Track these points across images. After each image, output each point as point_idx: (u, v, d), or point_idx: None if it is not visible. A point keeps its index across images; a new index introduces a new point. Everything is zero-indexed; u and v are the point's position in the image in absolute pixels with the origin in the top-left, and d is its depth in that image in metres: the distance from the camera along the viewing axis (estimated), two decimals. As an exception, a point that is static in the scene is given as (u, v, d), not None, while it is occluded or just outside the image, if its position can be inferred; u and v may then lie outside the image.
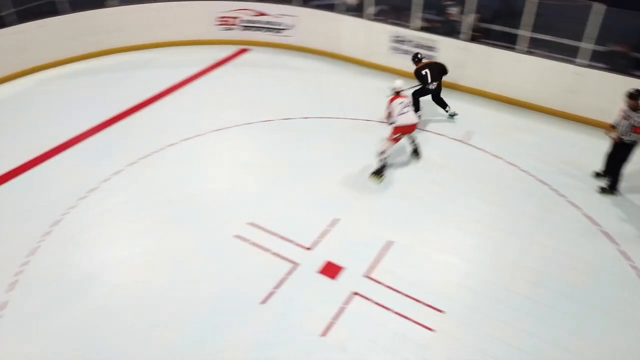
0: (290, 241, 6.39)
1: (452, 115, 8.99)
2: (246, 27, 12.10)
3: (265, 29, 12.00)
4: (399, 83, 7.60)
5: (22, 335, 5.33)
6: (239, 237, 6.47)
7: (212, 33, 12.19)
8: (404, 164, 7.84)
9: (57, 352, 5.14)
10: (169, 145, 8.32)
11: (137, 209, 7.04)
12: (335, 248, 6.27)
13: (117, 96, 9.89)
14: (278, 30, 11.89)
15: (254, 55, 11.79)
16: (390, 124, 7.48)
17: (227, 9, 11.93)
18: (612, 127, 6.97)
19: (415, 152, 7.92)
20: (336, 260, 6.09)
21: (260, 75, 10.80)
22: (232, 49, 11.97)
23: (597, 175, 7.47)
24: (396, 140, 7.37)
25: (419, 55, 8.87)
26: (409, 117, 7.32)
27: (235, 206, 7.01)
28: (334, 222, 6.69)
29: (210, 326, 5.34)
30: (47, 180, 7.69)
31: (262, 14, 11.84)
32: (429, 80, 8.54)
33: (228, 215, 6.82)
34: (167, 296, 5.71)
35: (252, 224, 6.66)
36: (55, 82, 10.69)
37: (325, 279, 5.87)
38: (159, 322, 5.41)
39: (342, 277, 5.89)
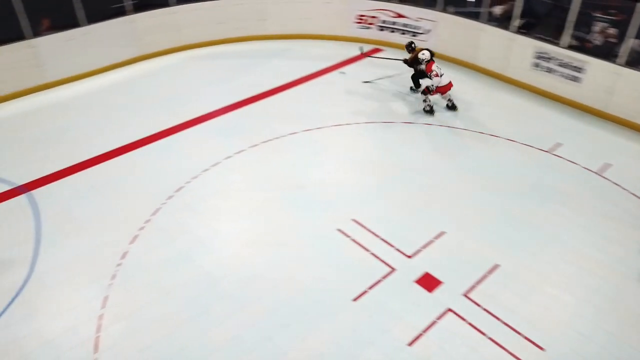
0: (391, 245, 6.28)
1: (413, 90, 10.01)
2: (382, 28, 12.12)
3: (401, 31, 11.92)
4: (427, 53, 9.09)
5: (134, 285, 5.86)
6: (341, 231, 6.52)
7: (348, 30, 12.39)
8: (526, 188, 7.33)
9: (161, 306, 5.57)
10: (291, 134, 8.61)
11: (251, 188, 7.40)
12: (437, 261, 6.06)
13: (252, 80, 10.46)
14: (414, 33, 11.74)
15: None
16: (432, 85, 8.96)
17: (368, 8, 12.04)
18: None
19: (453, 106, 9.37)
20: (435, 273, 5.88)
21: (388, 78, 10.74)
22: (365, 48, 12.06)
23: None
24: (433, 93, 9.08)
25: (413, 45, 9.94)
26: (446, 78, 8.96)
27: (343, 201, 7.06)
28: (440, 234, 6.46)
29: (298, 311, 5.46)
30: (178, 149, 8.37)
31: (401, 16, 11.77)
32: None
33: (334, 208, 6.90)
34: (264, 275, 5.93)
35: (356, 221, 6.66)
36: (201, 60, 11.59)
37: (421, 289, 5.69)
38: (253, 297, 5.64)
39: (438, 291, 5.67)
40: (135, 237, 6.53)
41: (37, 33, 10.10)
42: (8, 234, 6.63)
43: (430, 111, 9.26)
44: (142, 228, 6.67)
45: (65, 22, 10.43)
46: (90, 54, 10.90)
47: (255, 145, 8.35)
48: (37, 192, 7.39)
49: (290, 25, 12.52)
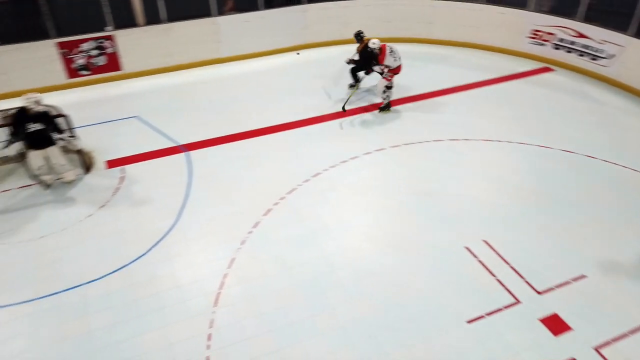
0: (521, 276, 5.82)
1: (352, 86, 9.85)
2: (558, 46, 11.21)
3: (579, 52, 10.92)
4: (378, 42, 9.04)
5: (259, 254, 6.21)
6: (468, 249, 6.21)
7: (518, 44, 11.70)
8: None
9: (280, 279, 5.84)
10: (435, 140, 8.41)
11: (383, 187, 7.38)
12: (570, 305, 5.47)
13: (406, 82, 10.39)
14: (594, 57, 10.67)
15: (556, 77, 10.87)
16: (386, 69, 9.10)
17: (546, 23, 11.22)
18: None
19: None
20: (565, 317, 5.32)
21: (553, 99, 9.93)
22: (534, 65, 11.29)
23: None
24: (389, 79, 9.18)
25: (362, 34, 9.75)
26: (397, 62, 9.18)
27: (476, 218, 6.71)
28: (580, 277, 5.82)
29: (408, 318, 5.33)
30: (322, 136, 8.66)
31: (582, 36, 10.77)
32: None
33: (465, 224, 6.60)
34: (381, 274, 5.88)
35: (487, 243, 6.29)
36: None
37: (544, 330, 5.19)
38: (366, 293, 5.63)
39: (566, 337, 5.13)
40: (269, 210, 6.90)
41: (221, 12, 11.16)
42: (163, 185, 7.45)
43: (387, 107, 9.38)
44: (276, 204, 7.02)
45: (246, 5, 11.38)
46: (263, 36, 11.73)
47: (397, 145, 8.30)
48: (194, 153, 8.19)
49: (457, 32, 12.20)
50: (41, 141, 6.97)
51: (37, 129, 6.85)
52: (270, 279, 5.85)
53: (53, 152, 7.10)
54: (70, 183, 7.42)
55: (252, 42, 11.72)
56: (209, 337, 5.14)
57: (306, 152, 8.21)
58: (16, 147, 7.38)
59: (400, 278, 5.83)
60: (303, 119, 9.18)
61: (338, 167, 7.80)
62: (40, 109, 6.89)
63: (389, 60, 9.05)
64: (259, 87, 10.46)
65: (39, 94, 6.97)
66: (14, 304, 5.57)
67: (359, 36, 9.84)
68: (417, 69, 11.05)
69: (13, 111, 7.04)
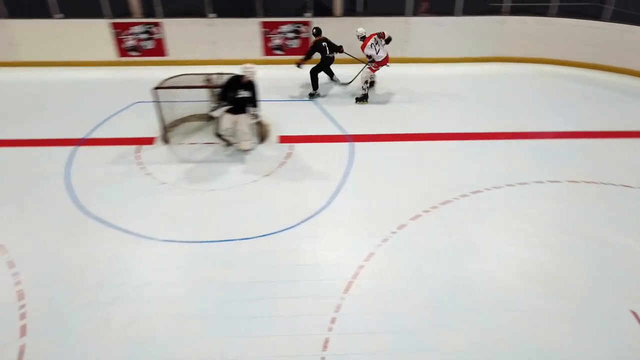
0: (698, 361, 4.89)
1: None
2: None
3: None
4: (362, 29, 9.43)
5: (397, 256, 6.14)
6: (634, 313, 5.38)
7: None
8: None
9: (410, 286, 5.71)
10: (623, 185, 7.42)
11: (547, 222, 6.71)
12: None
13: (596, 116, 9.37)
14: None
15: None
16: (371, 61, 9.38)
17: None
18: None
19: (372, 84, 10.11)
20: None
21: None
22: None
23: None
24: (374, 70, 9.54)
25: (315, 30, 9.90)
26: (383, 52, 9.34)
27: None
28: None
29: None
30: (491, 154, 8.25)
31: None
32: (328, 52, 9.81)
33: (634, 282, 5.73)
34: (522, 312, 5.39)
35: (661, 312, 5.39)
36: (556, 78, 10.94)
37: None
38: (495, 324, 5.23)
39: None
40: (417, 216, 6.79)
41: (415, 13, 11.18)
42: (324, 168, 7.78)
43: (365, 99, 9.56)
44: (426, 211, 6.88)
45: (443, 9, 11.25)
46: (452, 42, 11.49)
47: (575, 182, 7.51)
48: (358, 144, 8.40)
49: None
50: (241, 107, 7.78)
51: (245, 96, 7.67)
52: (403, 282, 5.75)
53: (242, 119, 7.87)
54: (246, 151, 8.15)
55: (440, 47, 11.56)
56: (332, 320, 5.26)
57: (470, 166, 7.88)
58: (210, 107, 8.36)
59: (544, 324, 5.29)
60: (473, 132, 8.83)
61: (503, 189, 7.34)
62: (253, 78, 7.68)
63: (370, 50, 9.21)
64: (435, 92, 10.30)
65: (255, 66, 7.75)
66: (177, 241, 6.34)
67: (315, 30, 10.00)
68: (614, 103, 9.87)
69: (227, 76, 7.94)
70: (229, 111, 7.81)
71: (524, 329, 5.20)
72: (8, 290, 5.61)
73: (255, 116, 7.99)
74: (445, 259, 6.09)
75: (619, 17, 10.65)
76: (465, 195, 7.19)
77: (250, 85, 7.69)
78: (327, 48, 9.94)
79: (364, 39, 9.30)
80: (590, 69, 11.24)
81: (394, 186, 7.40)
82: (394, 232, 6.49)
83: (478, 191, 7.28)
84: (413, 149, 8.36)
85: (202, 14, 11.00)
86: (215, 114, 7.99)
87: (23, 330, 5.13)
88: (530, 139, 8.66)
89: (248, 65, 7.66)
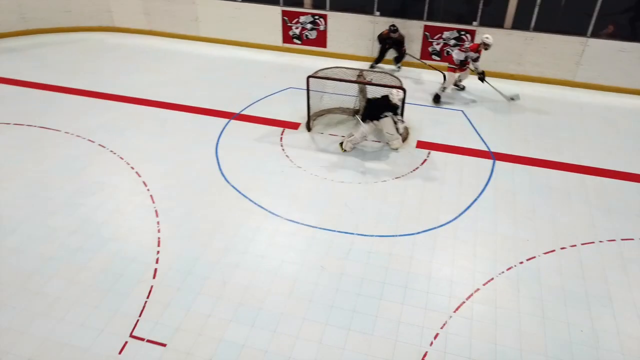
0: None
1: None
2: None
3: None
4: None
5: (518, 287, 5.75)
6: None
7: None
8: None
9: (528, 322, 5.33)
10: None
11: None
12: None
13: None
14: None
15: None
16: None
17: None
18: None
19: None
20: None
21: None
22: None
23: None
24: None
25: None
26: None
27: None
28: None
29: None
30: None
31: None
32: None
33: None
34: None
35: None
36: None
37: None
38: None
39: None
40: (551, 251, 6.26)
41: (596, 34, 10.16)
42: (459, 182, 7.49)
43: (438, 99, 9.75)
44: (563, 248, 6.32)
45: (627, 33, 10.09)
46: (629, 70, 10.28)
47: None
48: (500, 164, 7.93)
49: None
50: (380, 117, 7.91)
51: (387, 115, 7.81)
52: (521, 316, 5.38)
53: (386, 123, 7.89)
54: (397, 150, 8.21)
55: (617, 73, 10.39)
56: (436, 336, 5.11)
57: (625, 210, 7.02)
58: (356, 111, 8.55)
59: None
60: (634, 172, 7.85)
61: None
62: (398, 103, 7.76)
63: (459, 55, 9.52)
64: (602, 123, 9.30)
65: (402, 92, 7.79)
66: (300, 223, 6.61)
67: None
68: None
69: (378, 95, 8.05)
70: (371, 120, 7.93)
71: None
72: (150, 235, 6.35)
73: (400, 122, 7.97)
74: (574, 303, 5.55)
75: None
76: (612, 240, 6.44)
77: (394, 108, 7.74)
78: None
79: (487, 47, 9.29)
80: None
81: (533, 215, 6.87)
82: (521, 262, 6.08)
83: (629, 239, 6.47)
84: (562, 179, 7.66)
85: (367, 12, 11.20)
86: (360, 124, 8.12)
87: (155, 273, 5.78)
88: None
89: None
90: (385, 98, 7.78)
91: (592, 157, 8.20)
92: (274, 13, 11.93)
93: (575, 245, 6.34)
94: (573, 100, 10.15)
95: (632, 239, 6.47)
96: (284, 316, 5.30)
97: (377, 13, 11.15)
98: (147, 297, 5.47)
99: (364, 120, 7.89)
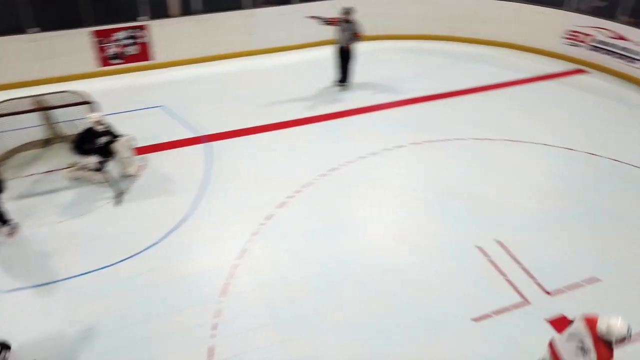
0: (532, 277, 5.69)
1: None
2: (595, 48, 10.84)
3: (617, 55, 10.52)
4: None
5: (271, 246, 6.25)
6: (480, 248, 6.08)
7: (552, 44, 11.41)
8: None
9: (290, 272, 5.87)
10: (457, 139, 8.27)
11: (402, 186, 7.29)
12: (579, 307, 5.21)
13: (440, 79, 10.38)
14: (632, 59, 10.26)
15: (590, 79, 10.55)
16: None
17: (584, 23, 10.87)
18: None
19: None
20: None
21: (586, 102, 9.64)
22: (566, 67, 10.99)
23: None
24: None
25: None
26: None
27: (492, 218, 6.59)
28: (593, 280, 5.66)
29: (416, 316, 5.29)
30: (343, 132, 8.71)
31: (622, 38, 10.36)
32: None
33: (479, 224, 6.48)
34: (394, 272, 5.82)
35: (500, 243, 6.16)
36: (405, 52, 11.86)
37: (552, 330, 5.03)
38: (378, 291, 5.60)
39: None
40: (283, 203, 6.91)
41: (255, 4, 11.16)
42: (182, 175, 7.51)
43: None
44: (291, 197, 7.03)
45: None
46: (299, 30, 11.66)
47: (417, 143, 8.20)
48: (216, 144, 8.26)
49: (499, 32, 12.02)
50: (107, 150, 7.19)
51: (106, 141, 7.11)
52: (280, 270, 5.86)
53: (120, 145, 7.23)
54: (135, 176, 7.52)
55: (281, 34, 11.71)
56: (214, 327, 5.16)
57: (324, 147, 8.20)
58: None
59: (413, 275, 5.77)
60: (321, 114, 9.17)
61: (356, 162, 7.76)
62: (105, 124, 7.13)
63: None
64: (285, 81, 10.49)
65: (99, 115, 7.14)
66: (24, 288, 5.67)
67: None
68: (452, 67, 10.92)
69: (80, 130, 7.19)
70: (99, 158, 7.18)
71: (397, 287, 5.62)
72: None
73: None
74: (318, 239, 6.32)
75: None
76: (324, 175, 7.48)
77: (106, 131, 7.13)
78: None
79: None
80: (428, 40, 12.30)
81: (256, 179, 7.42)
82: (262, 224, 6.54)
83: (335, 169, 7.61)
84: (267, 139, 8.43)
85: (21, 30, 9.90)
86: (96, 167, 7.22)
87: None
88: (378, 110, 9.25)
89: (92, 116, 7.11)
90: (91, 130, 7.05)
91: (294, 111, 9.21)
92: (83, 36, 10.29)
93: (299, 191, 7.13)
94: (255, 67, 11.09)
95: (338, 169, 7.61)
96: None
97: (35, 30, 9.98)
98: None
99: (85, 154, 7.11)
